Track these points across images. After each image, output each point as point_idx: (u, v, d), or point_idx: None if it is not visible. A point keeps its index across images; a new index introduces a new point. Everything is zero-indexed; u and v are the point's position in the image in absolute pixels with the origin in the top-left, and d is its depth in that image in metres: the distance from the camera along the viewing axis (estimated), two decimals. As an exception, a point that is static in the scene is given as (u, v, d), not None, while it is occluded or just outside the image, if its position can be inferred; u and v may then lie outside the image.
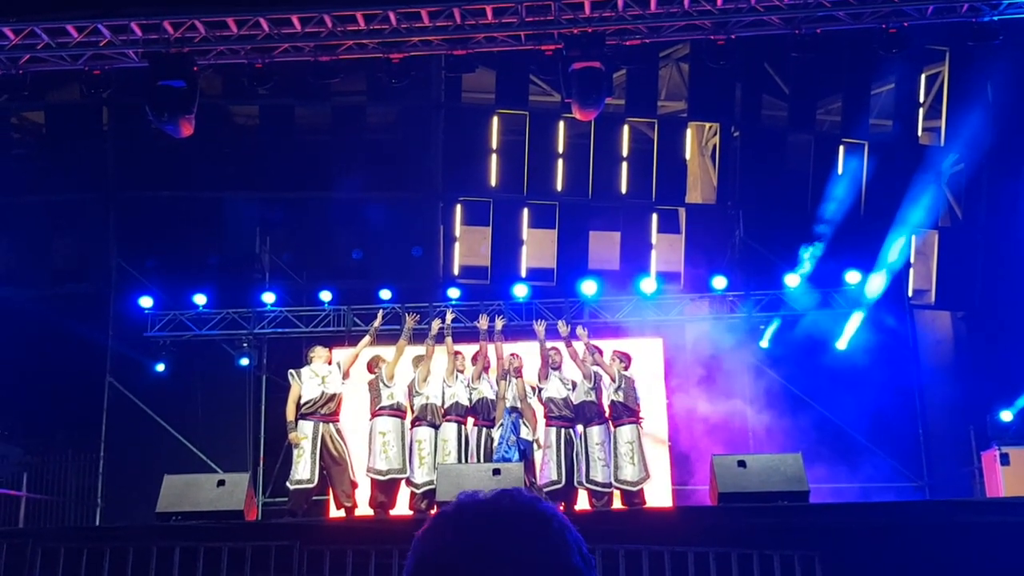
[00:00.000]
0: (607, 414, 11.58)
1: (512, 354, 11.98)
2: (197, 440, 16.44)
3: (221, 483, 10.23)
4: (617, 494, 11.40)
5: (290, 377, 11.53)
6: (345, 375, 11.54)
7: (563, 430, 11.41)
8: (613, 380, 11.59)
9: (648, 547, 8.35)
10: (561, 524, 1.40)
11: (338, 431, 11.26)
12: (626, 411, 11.53)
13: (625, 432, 11.43)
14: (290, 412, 11.25)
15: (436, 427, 11.47)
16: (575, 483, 11.33)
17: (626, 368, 11.89)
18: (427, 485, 11.08)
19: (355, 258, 17.48)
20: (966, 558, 8.43)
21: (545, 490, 11.01)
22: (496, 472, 9.95)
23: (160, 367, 16.59)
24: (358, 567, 8.48)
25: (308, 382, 11.29)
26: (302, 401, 11.21)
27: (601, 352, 11.99)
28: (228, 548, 8.67)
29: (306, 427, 11.09)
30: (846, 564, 8.45)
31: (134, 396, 16.88)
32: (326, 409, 11.18)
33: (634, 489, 11.29)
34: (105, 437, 17.25)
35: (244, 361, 16.80)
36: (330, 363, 11.69)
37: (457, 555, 1.34)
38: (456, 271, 19.50)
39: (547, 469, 11.28)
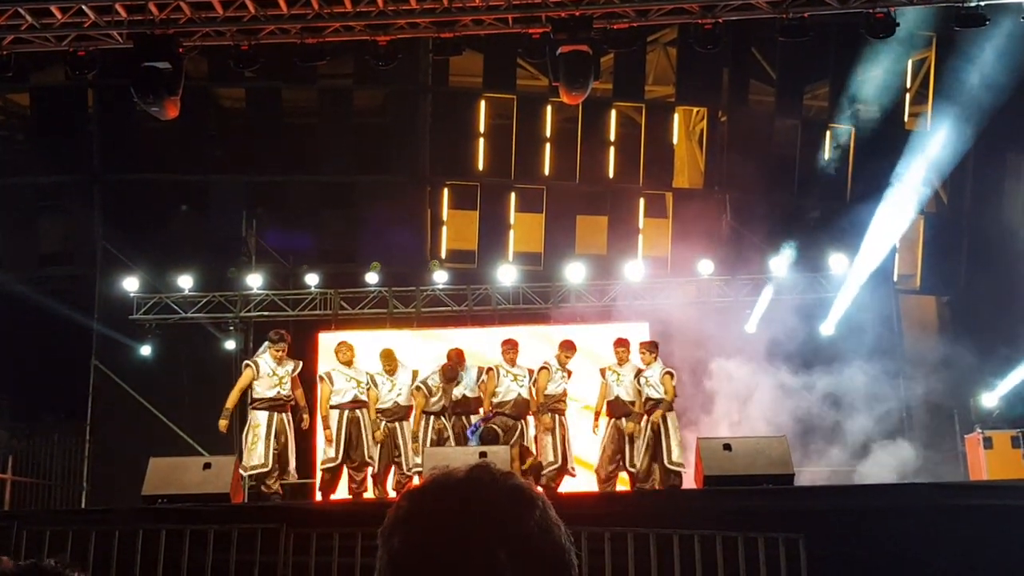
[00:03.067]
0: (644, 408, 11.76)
1: (507, 341, 12.10)
2: (183, 423, 16.42)
3: (207, 466, 10.23)
4: (625, 477, 11.91)
5: (244, 367, 11.46)
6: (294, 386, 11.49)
7: (557, 416, 11.75)
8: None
9: (634, 529, 8.39)
10: (542, 500, 1.40)
11: (290, 421, 11.38)
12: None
13: (670, 418, 11.65)
14: (232, 399, 11.17)
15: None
16: (569, 467, 11.69)
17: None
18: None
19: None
20: (949, 541, 8.49)
21: (545, 471, 11.41)
22: (482, 456, 9.98)
23: (146, 350, 16.55)
24: (344, 549, 8.49)
25: (265, 379, 11.21)
26: (256, 395, 11.17)
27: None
28: (214, 531, 8.67)
29: (260, 416, 11.15)
30: (830, 546, 8.50)
31: (120, 379, 16.84)
32: (283, 406, 11.28)
33: (681, 471, 11.52)
34: (91, 420, 17.23)
35: (230, 344, 16.77)
36: (287, 354, 11.48)
37: (442, 531, 1.34)
38: (443, 255, 19.49)
39: (545, 452, 11.62)
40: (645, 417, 11.58)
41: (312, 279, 16.69)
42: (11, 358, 16.74)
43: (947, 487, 10.69)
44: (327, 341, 15.55)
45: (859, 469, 15.55)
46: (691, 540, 8.38)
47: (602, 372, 11.99)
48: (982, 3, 11.62)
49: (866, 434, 16.02)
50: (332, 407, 11.50)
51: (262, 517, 9.04)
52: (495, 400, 11.67)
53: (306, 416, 11.44)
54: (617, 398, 11.70)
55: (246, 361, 11.59)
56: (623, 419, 11.66)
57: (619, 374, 11.83)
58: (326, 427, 11.54)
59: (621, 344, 12.01)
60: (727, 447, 10.22)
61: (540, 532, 1.36)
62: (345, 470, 11.65)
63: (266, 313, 16.62)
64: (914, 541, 8.58)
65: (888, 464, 15.78)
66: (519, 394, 11.71)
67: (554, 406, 11.72)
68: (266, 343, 11.54)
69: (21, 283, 17.51)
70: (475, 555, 1.31)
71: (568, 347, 12.03)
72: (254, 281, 16.71)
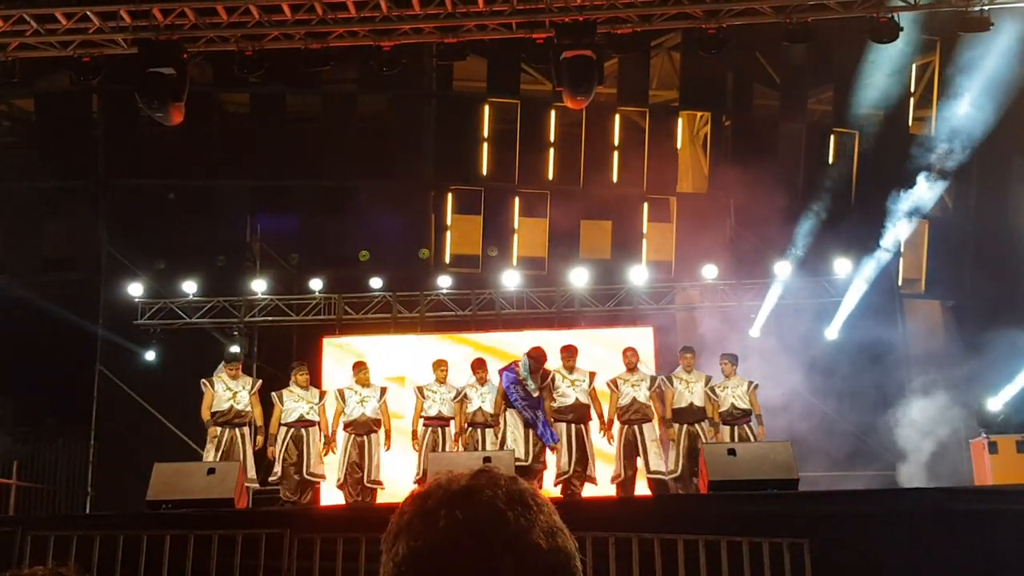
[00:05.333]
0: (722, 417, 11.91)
1: (566, 347, 12.06)
2: (187, 428, 16.40)
3: (211, 471, 10.24)
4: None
5: (203, 386, 11.78)
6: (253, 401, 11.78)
7: (626, 426, 11.73)
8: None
9: (638, 535, 8.38)
10: (547, 505, 1.39)
11: (242, 435, 11.61)
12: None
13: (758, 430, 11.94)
14: (205, 416, 11.67)
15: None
16: (649, 473, 11.62)
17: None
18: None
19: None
20: (954, 546, 8.48)
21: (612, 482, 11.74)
22: (487, 460, 9.96)
23: (150, 355, 16.56)
24: (348, 554, 8.49)
25: (220, 394, 11.65)
26: (213, 409, 11.61)
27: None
28: (218, 536, 8.67)
29: (216, 430, 11.56)
30: (835, 551, 8.48)
31: (124, 384, 16.84)
32: (236, 419, 11.57)
33: None
34: (95, 425, 17.23)
35: (235, 349, 16.76)
36: (241, 370, 11.95)
37: (447, 537, 1.32)
38: (447, 259, 19.48)
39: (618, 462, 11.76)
40: (729, 428, 11.77)
41: (316, 284, 16.69)
42: (15, 363, 16.75)
43: (952, 492, 10.68)
44: (331, 346, 15.57)
45: (863, 473, 15.53)
46: (696, 545, 8.37)
47: (668, 380, 12.02)
48: (986, 7, 11.62)
49: (870, 438, 15.99)
50: (281, 425, 11.73)
51: (266, 522, 9.04)
52: (553, 406, 11.65)
53: (259, 437, 11.74)
54: (691, 404, 11.80)
55: (203, 380, 11.86)
56: (696, 425, 11.73)
57: (687, 381, 11.91)
58: (271, 443, 11.74)
59: (689, 350, 12.28)
60: (731, 452, 10.23)
61: (545, 537, 1.35)
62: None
63: (270, 318, 16.63)
64: (919, 546, 8.57)
65: (892, 469, 15.77)
66: (577, 398, 11.66)
67: (627, 417, 11.69)
68: (222, 363, 12.06)
69: (25, 288, 17.51)
70: (480, 561, 1.31)
71: (631, 354, 12.08)
72: (258, 286, 16.73)
